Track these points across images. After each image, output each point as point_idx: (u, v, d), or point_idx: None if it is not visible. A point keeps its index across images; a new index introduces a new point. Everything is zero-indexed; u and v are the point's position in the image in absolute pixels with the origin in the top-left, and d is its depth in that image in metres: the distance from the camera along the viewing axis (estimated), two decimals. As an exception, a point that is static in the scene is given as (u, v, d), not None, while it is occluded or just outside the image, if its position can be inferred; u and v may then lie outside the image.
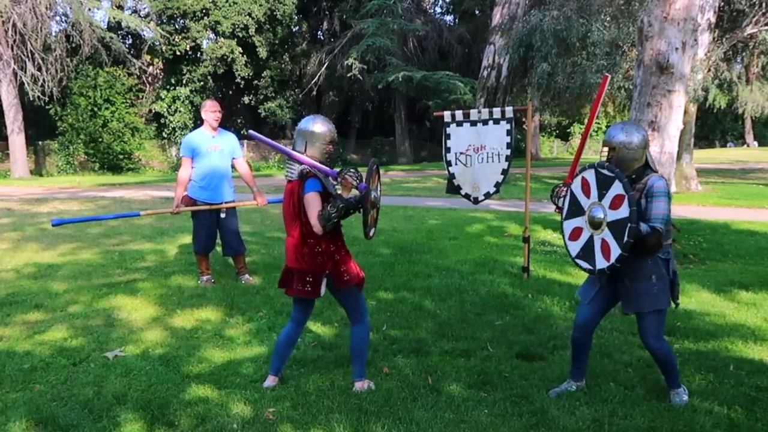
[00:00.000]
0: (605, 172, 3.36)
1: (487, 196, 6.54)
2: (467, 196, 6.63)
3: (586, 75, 16.02)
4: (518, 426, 3.23)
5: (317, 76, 32.26)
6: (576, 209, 3.54)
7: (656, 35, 7.51)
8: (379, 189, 3.67)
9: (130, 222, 11.17)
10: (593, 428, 3.21)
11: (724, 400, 3.50)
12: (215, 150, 6.02)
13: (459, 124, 6.57)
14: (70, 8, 26.71)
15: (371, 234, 3.64)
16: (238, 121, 37.46)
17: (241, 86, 32.53)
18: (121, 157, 29.37)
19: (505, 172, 6.42)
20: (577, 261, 3.53)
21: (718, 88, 19.23)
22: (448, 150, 6.64)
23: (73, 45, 27.11)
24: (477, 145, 6.47)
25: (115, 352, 4.32)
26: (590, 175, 3.46)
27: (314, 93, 34.67)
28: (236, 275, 6.25)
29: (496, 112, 6.41)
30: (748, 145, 48.76)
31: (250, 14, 30.05)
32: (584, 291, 3.68)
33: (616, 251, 3.25)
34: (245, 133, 5.78)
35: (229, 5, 29.87)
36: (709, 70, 16.30)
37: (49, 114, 28.57)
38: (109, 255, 7.85)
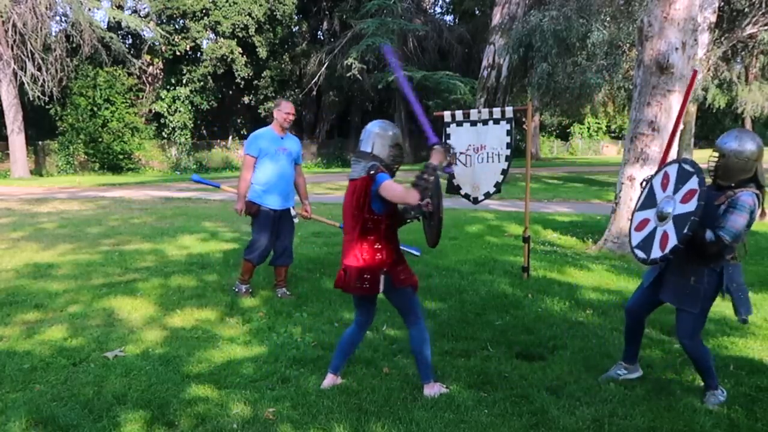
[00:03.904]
0: (687, 167, 3.38)
1: (487, 196, 6.54)
2: (467, 196, 6.63)
3: (586, 75, 16.03)
4: (518, 426, 3.23)
5: (317, 76, 32.27)
6: (649, 202, 3.59)
7: (656, 35, 7.51)
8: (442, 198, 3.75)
9: (130, 222, 11.19)
10: (593, 428, 3.21)
11: (724, 400, 3.50)
12: (284, 152, 5.66)
13: (459, 124, 6.57)
14: (70, 8, 26.72)
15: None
16: (238, 121, 37.47)
17: (241, 86, 32.53)
18: (121, 157, 29.36)
19: (505, 172, 6.41)
20: (635, 250, 3.54)
21: (717, 88, 19.26)
22: (448, 150, 6.63)
23: (73, 45, 27.11)
24: (477, 145, 6.46)
25: (115, 352, 4.32)
26: (672, 170, 3.49)
27: (314, 93, 34.68)
28: (273, 287, 5.94)
29: (496, 112, 6.41)
30: (748, 145, 48.71)
31: (250, 14, 30.07)
32: (648, 272, 3.71)
33: (672, 242, 3.25)
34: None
35: (229, 5, 29.88)
36: (709, 70, 16.31)
37: (49, 114, 28.58)
38: (109, 255, 7.85)
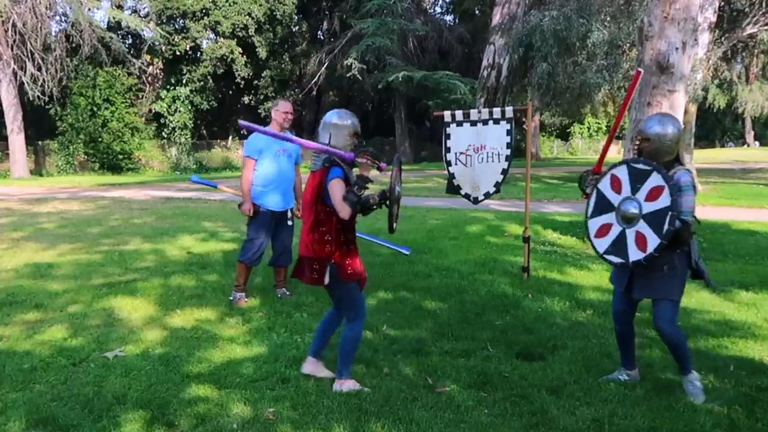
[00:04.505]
0: (640, 166, 3.40)
1: (487, 196, 6.54)
2: (467, 196, 6.63)
3: (586, 75, 16.04)
4: (518, 426, 3.23)
5: (317, 76, 32.28)
6: (604, 206, 3.58)
7: (656, 35, 7.52)
8: (400, 184, 3.72)
9: (130, 222, 11.19)
10: (593, 428, 3.21)
11: (724, 400, 3.49)
12: (284, 153, 5.61)
13: (459, 124, 6.56)
14: (70, 8, 26.73)
15: (395, 227, 3.72)
16: (238, 121, 37.47)
17: (241, 86, 32.54)
18: (120, 157, 29.36)
19: (505, 172, 6.42)
20: (606, 257, 3.54)
21: (718, 88, 19.29)
22: (448, 150, 6.64)
23: (73, 45, 27.12)
24: (477, 145, 6.46)
25: (115, 352, 4.32)
26: (621, 171, 3.49)
27: (314, 93, 34.70)
28: (273, 287, 5.94)
29: (496, 112, 6.41)
30: (748, 145, 48.81)
31: (250, 14, 30.09)
32: (618, 277, 3.71)
33: (654, 241, 3.28)
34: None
35: (229, 5, 29.90)
36: (709, 69, 16.31)
37: (49, 114, 28.59)
38: (109, 255, 7.85)
